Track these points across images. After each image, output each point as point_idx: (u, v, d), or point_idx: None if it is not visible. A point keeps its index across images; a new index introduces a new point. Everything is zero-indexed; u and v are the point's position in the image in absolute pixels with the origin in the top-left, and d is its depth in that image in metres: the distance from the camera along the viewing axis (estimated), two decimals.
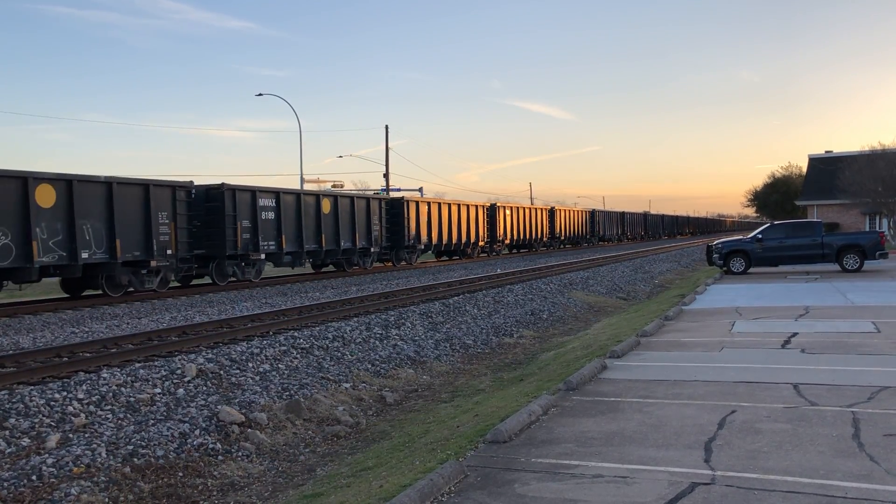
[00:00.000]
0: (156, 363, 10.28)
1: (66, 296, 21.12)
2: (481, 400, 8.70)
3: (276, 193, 26.33)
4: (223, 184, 24.10)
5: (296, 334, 12.74)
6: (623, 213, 76.84)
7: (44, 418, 7.86)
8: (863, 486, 4.50)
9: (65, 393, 8.60)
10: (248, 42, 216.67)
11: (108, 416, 8.24)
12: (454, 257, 43.18)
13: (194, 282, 25.43)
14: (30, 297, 22.53)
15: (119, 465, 6.62)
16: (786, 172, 77.22)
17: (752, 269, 23.57)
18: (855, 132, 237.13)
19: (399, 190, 59.63)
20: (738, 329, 11.42)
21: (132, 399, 8.76)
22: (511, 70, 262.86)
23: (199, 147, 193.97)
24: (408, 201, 36.30)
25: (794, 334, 10.57)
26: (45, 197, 18.04)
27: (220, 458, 7.19)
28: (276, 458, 7.42)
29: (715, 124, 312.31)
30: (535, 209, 54.28)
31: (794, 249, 22.84)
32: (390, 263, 35.95)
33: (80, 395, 8.59)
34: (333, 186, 65.13)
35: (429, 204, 38.56)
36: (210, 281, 24.80)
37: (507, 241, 48.35)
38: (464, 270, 32.49)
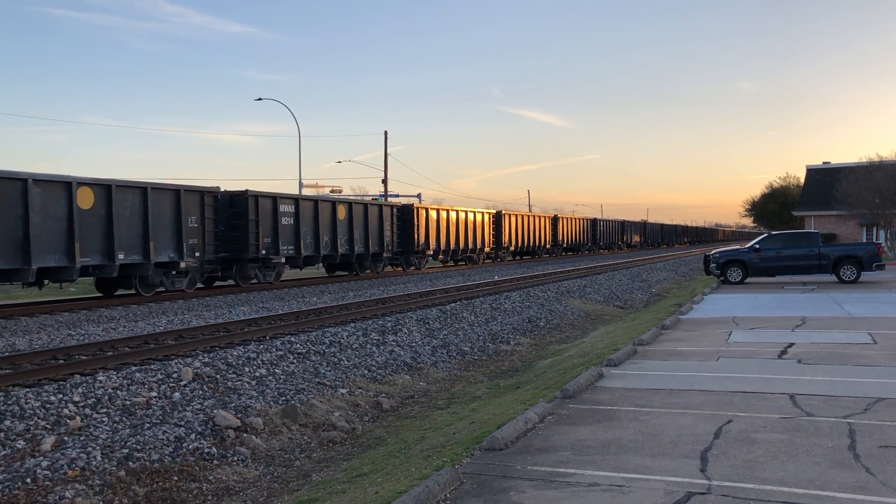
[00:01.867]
0: (152, 366, 10.25)
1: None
2: (478, 407, 8.69)
3: (437, 210, 39.30)
4: (413, 203, 39.46)
5: (292, 339, 12.73)
6: (645, 223, 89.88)
7: (39, 421, 7.84)
8: (858, 498, 4.50)
9: (60, 395, 8.57)
10: (249, 46, 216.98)
11: (103, 419, 8.22)
12: (525, 256, 54.17)
13: (387, 268, 36.03)
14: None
15: (114, 468, 6.61)
16: (783, 183, 77.43)
17: (749, 280, 23.59)
18: (853, 144, 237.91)
19: (398, 196, 59.82)
20: (734, 339, 11.43)
21: (128, 402, 8.75)
22: (511, 78, 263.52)
23: (199, 150, 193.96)
24: (504, 214, 47.81)
25: (791, 345, 10.58)
26: (341, 212, 30.46)
27: (215, 462, 7.17)
28: (271, 463, 7.40)
29: (713, 134, 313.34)
30: (583, 219, 66.09)
31: (792, 260, 22.86)
32: (490, 261, 47.31)
33: (76, 398, 8.57)
34: (332, 192, 65.51)
35: (517, 216, 50.34)
36: (398, 266, 37.01)
37: (564, 245, 59.53)
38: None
